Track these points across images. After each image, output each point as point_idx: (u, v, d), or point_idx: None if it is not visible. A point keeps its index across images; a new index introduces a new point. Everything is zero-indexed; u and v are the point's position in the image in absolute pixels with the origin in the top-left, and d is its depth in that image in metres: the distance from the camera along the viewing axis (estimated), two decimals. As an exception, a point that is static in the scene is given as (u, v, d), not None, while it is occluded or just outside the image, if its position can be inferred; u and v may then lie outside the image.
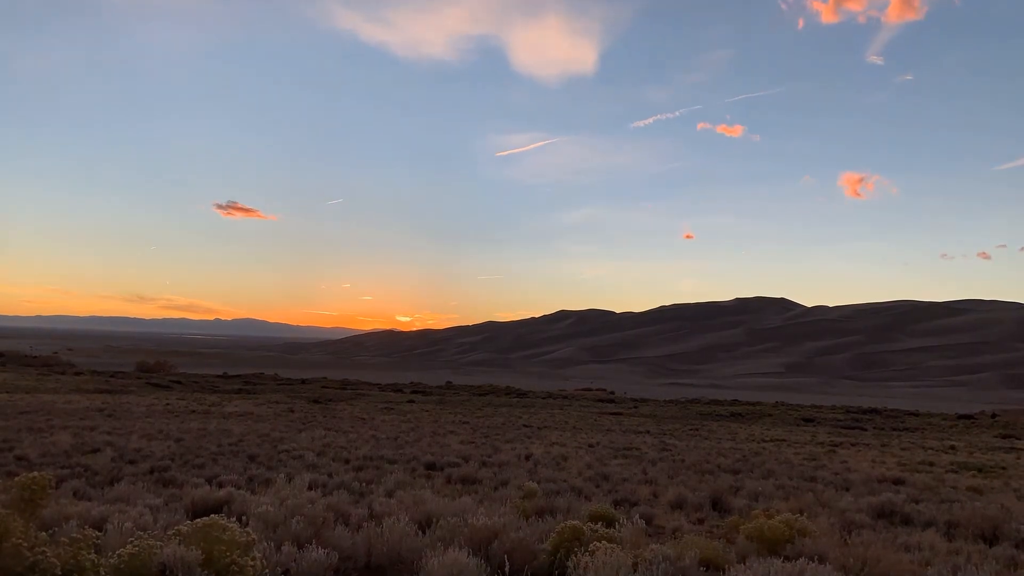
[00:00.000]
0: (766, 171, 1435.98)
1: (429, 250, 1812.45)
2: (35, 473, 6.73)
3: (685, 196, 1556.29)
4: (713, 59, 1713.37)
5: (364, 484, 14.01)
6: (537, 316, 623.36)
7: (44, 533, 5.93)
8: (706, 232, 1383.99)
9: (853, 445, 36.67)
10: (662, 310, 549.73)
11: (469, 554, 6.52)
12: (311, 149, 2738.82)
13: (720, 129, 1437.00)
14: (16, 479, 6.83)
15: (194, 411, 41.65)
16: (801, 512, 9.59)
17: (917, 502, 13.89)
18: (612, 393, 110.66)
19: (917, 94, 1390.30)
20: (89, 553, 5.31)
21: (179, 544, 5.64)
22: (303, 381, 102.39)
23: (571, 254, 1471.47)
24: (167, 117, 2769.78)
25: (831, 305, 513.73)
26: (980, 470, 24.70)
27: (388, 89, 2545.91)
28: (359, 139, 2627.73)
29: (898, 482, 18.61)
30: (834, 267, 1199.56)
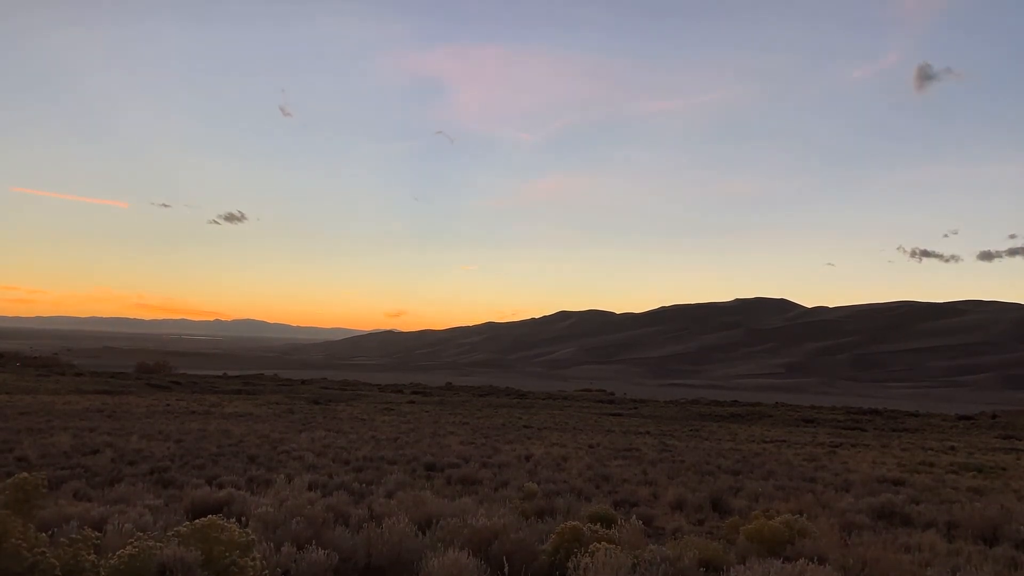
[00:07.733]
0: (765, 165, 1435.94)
1: (429, 250, 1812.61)
2: (26, 474, 6.72)
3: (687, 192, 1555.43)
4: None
5: (364, 485, 14.03)
6: (537, 317, 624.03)
7: (44, 534, 5.93)
8: (706, 231, 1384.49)
9: (853, 446, 36.68)
10: (662, 310, 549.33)
11: (469, 555, 6.52)
12: (307, 148, 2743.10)
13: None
14: (9, 480, 6.83)
15: (194, 412, 41.67)
16: (801, 513, 9.58)
17: (917, 503, 13.89)
18: (612, 394, 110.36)
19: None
20: (89, 554, 5.31)
21: (179, 545, 5.64)
22: (303, 382, 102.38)
23: (570, 253, 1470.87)
24: (156, 112, 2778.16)
25: (831, 306, 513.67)
26: (980, 471, 24.70)
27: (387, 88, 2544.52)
28: (357, 139, 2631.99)
29: (898, 483, 18.60)
30: (834, 267, 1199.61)
